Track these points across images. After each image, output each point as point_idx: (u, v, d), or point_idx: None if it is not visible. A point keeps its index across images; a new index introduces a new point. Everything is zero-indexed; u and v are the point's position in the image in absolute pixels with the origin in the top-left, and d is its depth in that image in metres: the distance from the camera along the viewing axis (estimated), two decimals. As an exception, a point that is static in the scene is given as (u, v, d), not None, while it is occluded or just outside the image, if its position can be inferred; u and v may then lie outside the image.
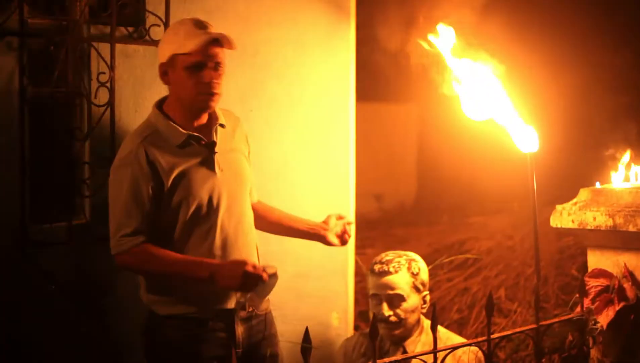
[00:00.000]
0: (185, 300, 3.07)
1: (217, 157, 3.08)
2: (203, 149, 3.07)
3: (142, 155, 2.96)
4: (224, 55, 3.05)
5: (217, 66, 3.02)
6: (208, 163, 3.07)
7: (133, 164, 2.96)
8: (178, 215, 3.02)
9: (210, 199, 3.05)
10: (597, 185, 3.27)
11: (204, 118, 3.11)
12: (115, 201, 3.00)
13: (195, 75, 2.99)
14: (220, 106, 3.13)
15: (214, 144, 3.08)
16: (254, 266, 2.98)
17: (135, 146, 2.98)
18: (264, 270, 3.00)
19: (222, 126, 3.13)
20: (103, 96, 3.38)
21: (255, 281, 2.98)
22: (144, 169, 2.96)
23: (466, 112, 3.28)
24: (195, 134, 3.05)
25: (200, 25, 3.03)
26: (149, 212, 2.98)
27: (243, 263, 2.98)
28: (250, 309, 3.18)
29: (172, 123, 3.04)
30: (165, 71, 3.04)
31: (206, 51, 2.98)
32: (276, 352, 3.28)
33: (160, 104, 3.10)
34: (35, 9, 3.25)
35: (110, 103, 3.40)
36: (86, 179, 3.37)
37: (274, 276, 3.07)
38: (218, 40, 3.01)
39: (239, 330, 3.15)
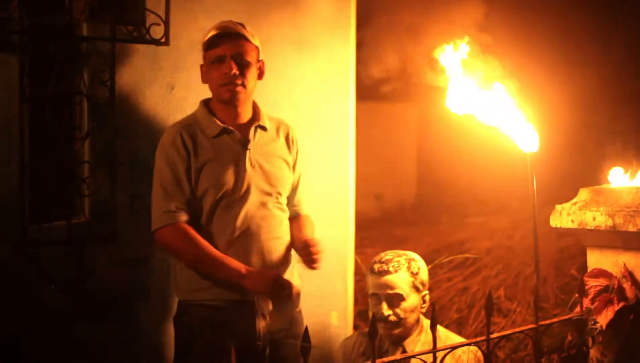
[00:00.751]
0: (206, 287, 3.18)
1: (249, 154, 3.24)
2: (237, 144, 3.24)
3: (178, 140, 3.19)
4: (250, 50, 3.24)
5: (237, 57, 3.20)
6: (239, 157, 3.23)
7: (170, 147, 3.19)
8: (205, 201, 3.19)
9: (234, 192, 3.20)
10: (610, 178, 3.26)
11: (245, 117, 3.29)
12: (156, 182, 3.21)
13: (218, 68, 3.21)
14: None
15: (247, 140, 3.24)
16: (285, 278, 3.19)
17: (174, 132, 3.22)
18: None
19: (262, 128, 3.31)
20: (103, 95, 3.38)
21: (283, 289, 3.15)
22: (181, 153, 3.18)
23: (451, 107, 3.31)
24: (230, 128, 3.23)
25: (222, 23, 3.24)
26: (187, 192, 3.18)
27: (275, 271, 3.18)
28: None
29: (211, 116, 3.25)
30: (203, 70, 3.27)
31: (221, 43, 3.20)
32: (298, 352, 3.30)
33: (207, 102, 3.31)
34: (36, 8, 3.25)
35: (110, 102, 3.39)
36: (86, 179, 3.37)
37: (297, 296, 3.31)
38: (230, 35, 3.20)
39: (260, 323, 3.21)
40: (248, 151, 3.24)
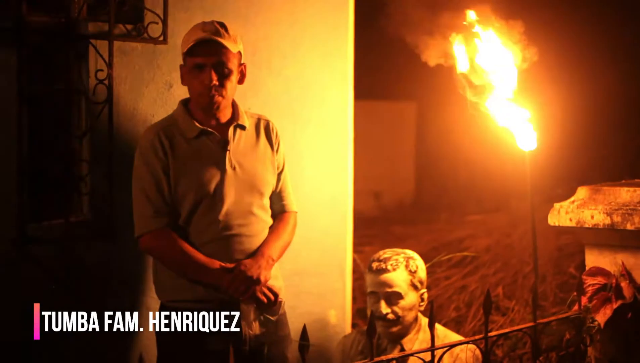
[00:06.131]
0: (189, 289, 3.12)
1: (229, 155, 3.16)
2: (216, 146, 3.17)
3: (156, 142, 3.13)
4: (232, 57, 3.12)
5: (217, 66, 3.10)
6: (219, 159, 3.16)
7: (149, 150, 3.13)
8: (184, 204, 3.13)
9: (215, 194, 3.13)
10: None
11: (224, 118, 3.21)
12: (137, 186, 3.15)
13: (198, 75, 3.12)
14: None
15: (226, 142, 3.17)
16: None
17: (152, 135, 3.15)
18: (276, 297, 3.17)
19: (241, 127, 3.22)
20: (101, 94, 3.38)
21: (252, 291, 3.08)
22: (159, 155, 3.12)
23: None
24: (209, 129, 3.16)
25: (204, 27, 3.12)
26: (167, 195, 3.12)
27: (257, 271, 3.11)
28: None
29: (190, 118, 3.17)
30: (183, 72, 3.19)
31: (202, 52, 3.09)
32: (285, 354, 3.28)
33: (186, 102, 3.24)
34: (34, 6, 3.25)
35: (109, 101, 3.39)
36: (84, 177, 3.38)
37: (279, 305, 3.21)
38: (212, 41, 3.08)
39: (246, 327, 3.17)
40: (228, 152, 3.16)
